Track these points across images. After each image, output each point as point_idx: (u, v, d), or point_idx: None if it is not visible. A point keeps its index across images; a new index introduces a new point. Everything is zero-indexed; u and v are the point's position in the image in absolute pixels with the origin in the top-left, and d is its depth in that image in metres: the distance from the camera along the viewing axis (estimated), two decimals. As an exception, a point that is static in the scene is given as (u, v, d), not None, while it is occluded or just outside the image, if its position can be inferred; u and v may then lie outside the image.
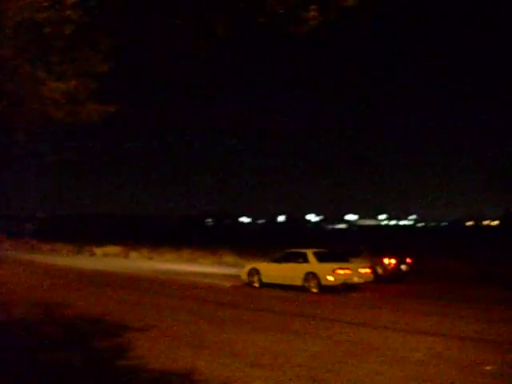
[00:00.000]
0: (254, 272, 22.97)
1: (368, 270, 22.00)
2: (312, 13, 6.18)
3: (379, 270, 24.25)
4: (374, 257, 24.53)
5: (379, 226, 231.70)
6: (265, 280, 22.41)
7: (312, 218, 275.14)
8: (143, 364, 8.58)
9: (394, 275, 24.68)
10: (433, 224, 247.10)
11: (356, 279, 20.96)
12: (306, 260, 21.39)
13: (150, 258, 41.63)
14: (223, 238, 61.33)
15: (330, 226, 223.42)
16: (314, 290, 20.43)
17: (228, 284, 23.54)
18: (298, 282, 20.98)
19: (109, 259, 41.79)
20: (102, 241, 52.32)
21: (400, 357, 9.48)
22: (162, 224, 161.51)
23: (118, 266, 34.45)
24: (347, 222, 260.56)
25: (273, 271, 22.34)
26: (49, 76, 8.45)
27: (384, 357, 9.40)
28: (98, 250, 48.52)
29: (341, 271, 20.36)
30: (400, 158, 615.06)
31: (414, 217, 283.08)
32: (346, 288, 20.53)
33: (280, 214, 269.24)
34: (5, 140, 10.02)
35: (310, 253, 21.63)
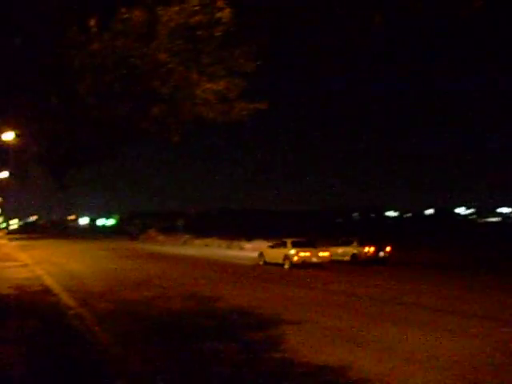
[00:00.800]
0: (260, 254, 33.26)
1: (327, 254, 30.82)
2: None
3: (361, 255, 32.41)
4: (360, 245, 32.94)
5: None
6: (266, 260, 32.13)
7: (462, 211, 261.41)
8: (297, 357, 8.80)
9: (373, 260, 32.07)
10: None
11: (315, 259, 29.77)
12: (285, 246, 30.65)
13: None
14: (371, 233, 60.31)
15: (483, 220, 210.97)
16: (286, 267, 29.46)
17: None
18: (280, 261, 30.22)
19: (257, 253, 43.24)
20: (251, 235, 54.22)
21: None
22: (314, 218, 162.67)
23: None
24: (500, 214, 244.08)
25: (270, 254, 32.23)
26: (201, 77, 9.02)
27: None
28: (248, 245, 50.30)
29: (302, 254, 29.58)
30: None
31: None
32: (306, 265, 28.97)
33: (429, 208, 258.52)
34: (161, 141, 10.88)
35: (288, 241, 30.98)
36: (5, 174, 27.69)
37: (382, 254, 32.88)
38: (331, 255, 31.34)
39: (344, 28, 7.44)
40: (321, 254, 30.48)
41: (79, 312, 12.54)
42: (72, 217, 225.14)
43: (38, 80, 9.51)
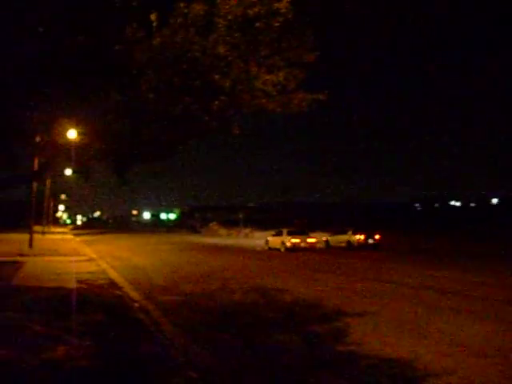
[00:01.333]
0: (266, 241, 42.86)
1: (314, 240, 39.82)
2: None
3: (354, 243, 40.09)
4: (353, 234, 40.49)
5: None
6: (270, 246, 41.39)
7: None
8: (362, 350, 8.77)
9: (363, 246, 39.56)
10: None
11: (303, 244, 38.73)
12: (282, 234, 39.99)
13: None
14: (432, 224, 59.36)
15: None
16: (282, 250, 38.62)
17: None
18: (278, 246, 39.44)
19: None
20: (312, 227, 54.46)
21: None
22: (374, 210, 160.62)
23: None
24: None
25: (272, 241, 41.50)
26: (260, 69, 9.11)
27: None
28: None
29: (293, 240, 38.60)
30: None
31: None
32: (296, 249, 38.06)
33: (494, 196, 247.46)
34: (222, 134, 11.03)
35: (284, 231, 40.36)
36: (69, 172, 28.64)
37: (371, 241, 40.26)
38: (318, 241, 41.08)
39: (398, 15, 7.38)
40: (308, 240, 39.73)
41: (144, 305, 12.87)
42: (134, 212, 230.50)
43: (100, 77, 9.79)
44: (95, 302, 12.83)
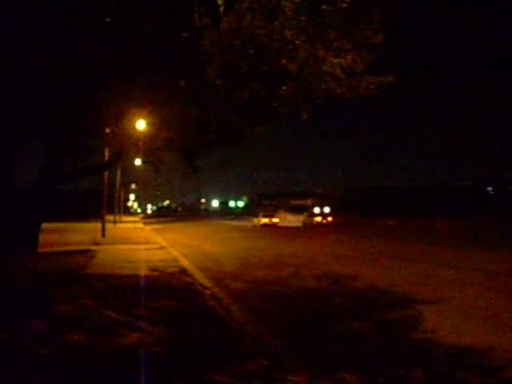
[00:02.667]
0: (252, 221, 63.67)
1: (277, 220, 61.09)
2: None
3: (314, 222, 58.60)
4: (317, 216, 60.85)
5: None
6: (254, 224, 61.41)
7: None
8: (437, 338, 8.61)
9: (319, 225, 58.14)
10: None
11: (269, 223, 59.97)
12: (258, 216, 62.17)
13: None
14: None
15: None
16: (257, 226, 59.47)
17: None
18: (257, 224, 60.41)
19: (384, 231, 43.04)
20: (381, 214, 54.95)
21: None
22: (442, 195, 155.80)
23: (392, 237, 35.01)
24: None
25: (254, 220, 62.57)
26: (327, 53, 9.02)
27: None
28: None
29: (263, 220, 60.64)
30: None
31: None
32: (265, 226, 58.60)
33: None
34: (291, 119, 10.99)
35: (260, 213, 63.36)
36: (138, 162, 29.42)
37: (324, 221, 59.95)
38: (280, 221, 60.68)
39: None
40: (273, 220, 60.61)
41: (215, 291, 13.06)
42: (203, 200, 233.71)
43: (166, 65, 9.92)
44: (167, 289, 13.12)
